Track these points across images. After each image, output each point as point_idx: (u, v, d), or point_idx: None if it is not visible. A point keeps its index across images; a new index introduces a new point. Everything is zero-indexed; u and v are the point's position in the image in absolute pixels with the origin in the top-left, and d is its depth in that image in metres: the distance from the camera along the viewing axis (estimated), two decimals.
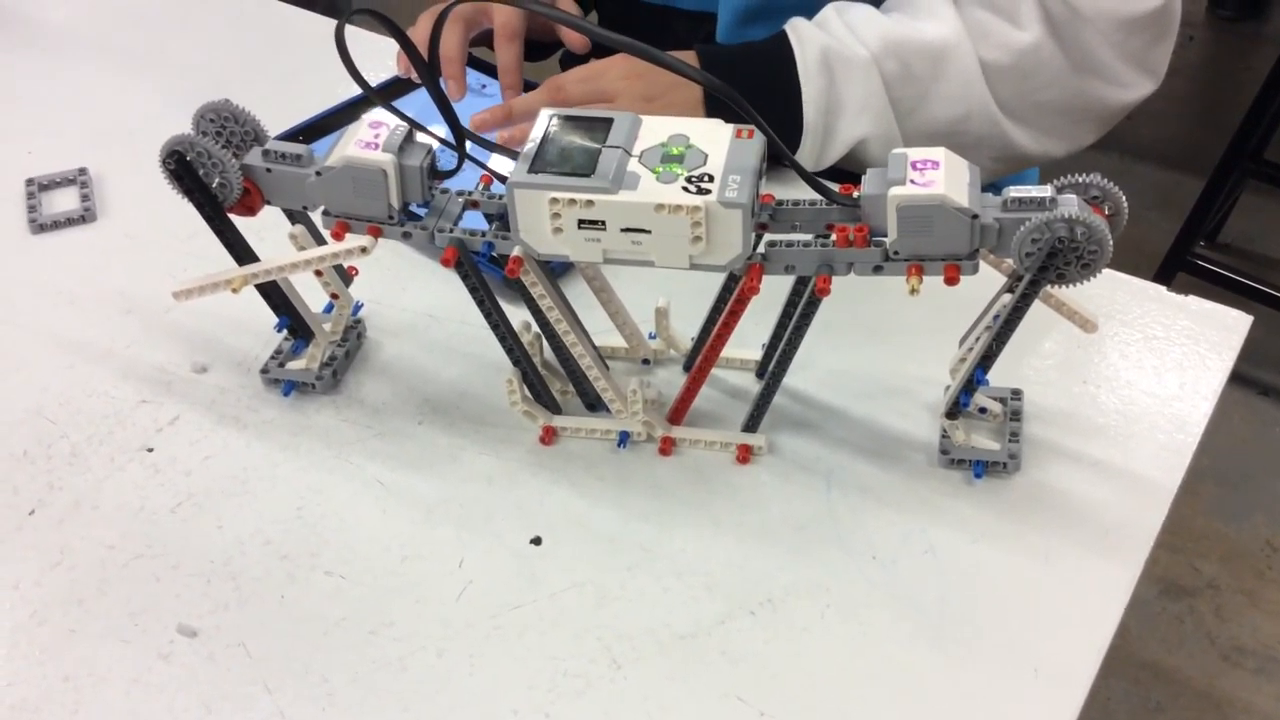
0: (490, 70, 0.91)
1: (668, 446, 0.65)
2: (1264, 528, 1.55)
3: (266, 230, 0.66)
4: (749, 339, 0.66)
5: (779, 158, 0.56)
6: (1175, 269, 1.71)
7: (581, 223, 0.55)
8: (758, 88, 0.75)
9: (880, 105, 0.77)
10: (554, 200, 0.55)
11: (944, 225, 0.54)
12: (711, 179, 0.55)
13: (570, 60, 1.07)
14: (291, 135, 0.85)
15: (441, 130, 0.58)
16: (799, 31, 0.78)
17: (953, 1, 0.78)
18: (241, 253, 0.65)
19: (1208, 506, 1.56)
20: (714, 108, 0.79)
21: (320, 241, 0.65)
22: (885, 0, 0.82)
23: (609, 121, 0.57)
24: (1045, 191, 0.54)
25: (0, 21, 1.04)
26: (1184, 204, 1.75)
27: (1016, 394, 0.66)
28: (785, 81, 0.76)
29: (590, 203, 0.55)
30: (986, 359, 0.60)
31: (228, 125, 0.62)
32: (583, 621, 0.57)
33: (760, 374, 0.69)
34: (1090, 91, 0.80)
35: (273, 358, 0.70)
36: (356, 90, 0.88)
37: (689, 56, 0.78)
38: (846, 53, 0.76)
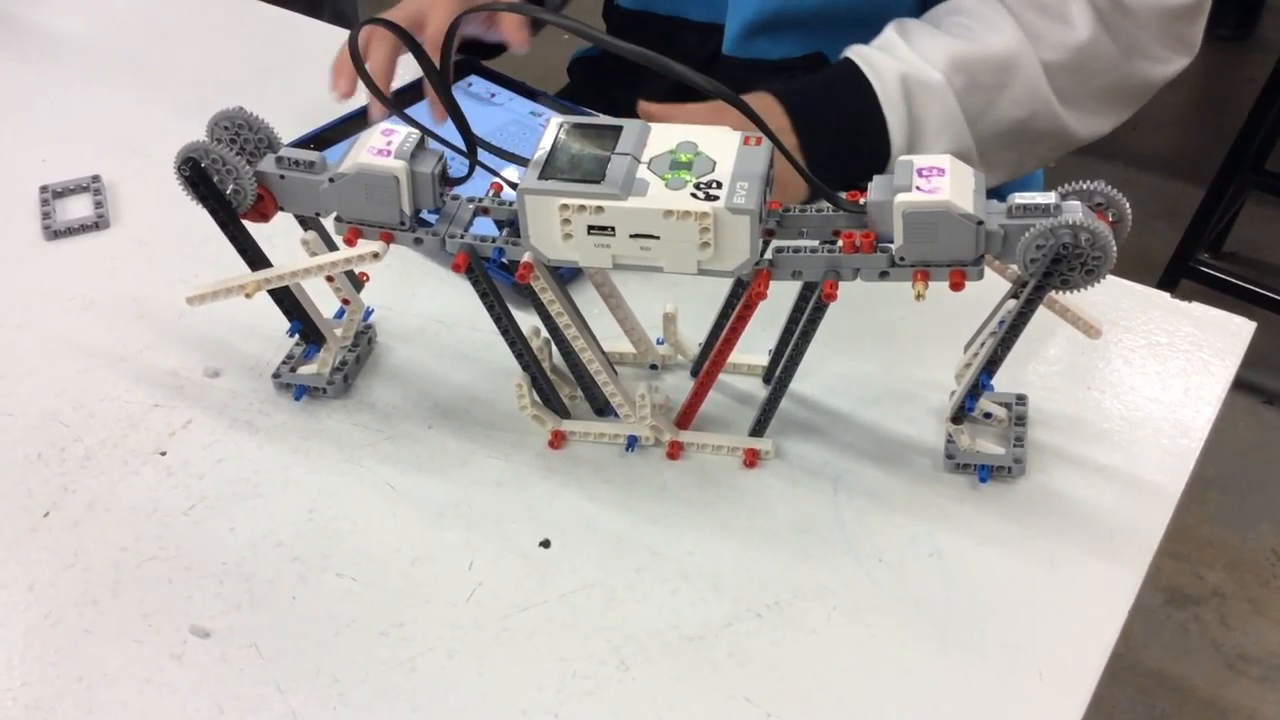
0: (498, 79, 0.92)
1: (675, 451, 0.65)
2: (1269, 536, 1.56)
3: (279, 236, 0.67)
4: (756, 344, 0.67)
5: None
6: (1179, 276, 1.71)
7: (591, 229, 0.56)
8: (841, 118, 0.77)
9: (957, 121, 0.78)
10: (564, 206, 0.56)
11: (949, 231, 0.54)
12: (719, 185, 0.55)
13: (581, 66, 1.07)
14: (302, 144, 0.86)
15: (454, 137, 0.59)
16: (871, 61, 0.78)
17: (1006, 8, 0.80)
18: (254, 258, 0.65)
19: (1213, 514, 1.57)
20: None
21: (332, 247, 0.66)
22: (935, 9, 0.83)
23: (618, 129, 0.58)
24: (1050, 198, 0.55)
25: (14, 31, 1.05)
26: (1188, 213, 1.75)
27: (1021, 399, 0.66)
28: (868, 111, 0.77)
29: (600, 209, 0.55)
30: (991, 364, 0.60)
31: (242, 132, 0.63)
32: (591, 623, 0.58)
33: (767, 379, 0.69)
34: (1136, 73, 0.82)
35: (284, 362, 0.70)
36: (367, 99, 0.89)
37: (771, 103, 0.77)
38: (922, 77, 0.77)
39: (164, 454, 0.67)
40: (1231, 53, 2.37)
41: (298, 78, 0.97)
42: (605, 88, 1.02)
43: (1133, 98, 0.85)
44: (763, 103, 0.76)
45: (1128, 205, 0.57)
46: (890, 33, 0.80)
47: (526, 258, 0.58)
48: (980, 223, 0.54)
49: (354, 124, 0.88)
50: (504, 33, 0.89)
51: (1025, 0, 0.79)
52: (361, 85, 0.83)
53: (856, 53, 0.79)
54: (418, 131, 0.60)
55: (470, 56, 0.93)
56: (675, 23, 0.95)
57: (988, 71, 0.78)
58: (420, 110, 0.89)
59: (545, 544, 0.62)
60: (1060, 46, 0.79)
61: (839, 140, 0.76)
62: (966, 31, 0.79)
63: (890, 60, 0.78)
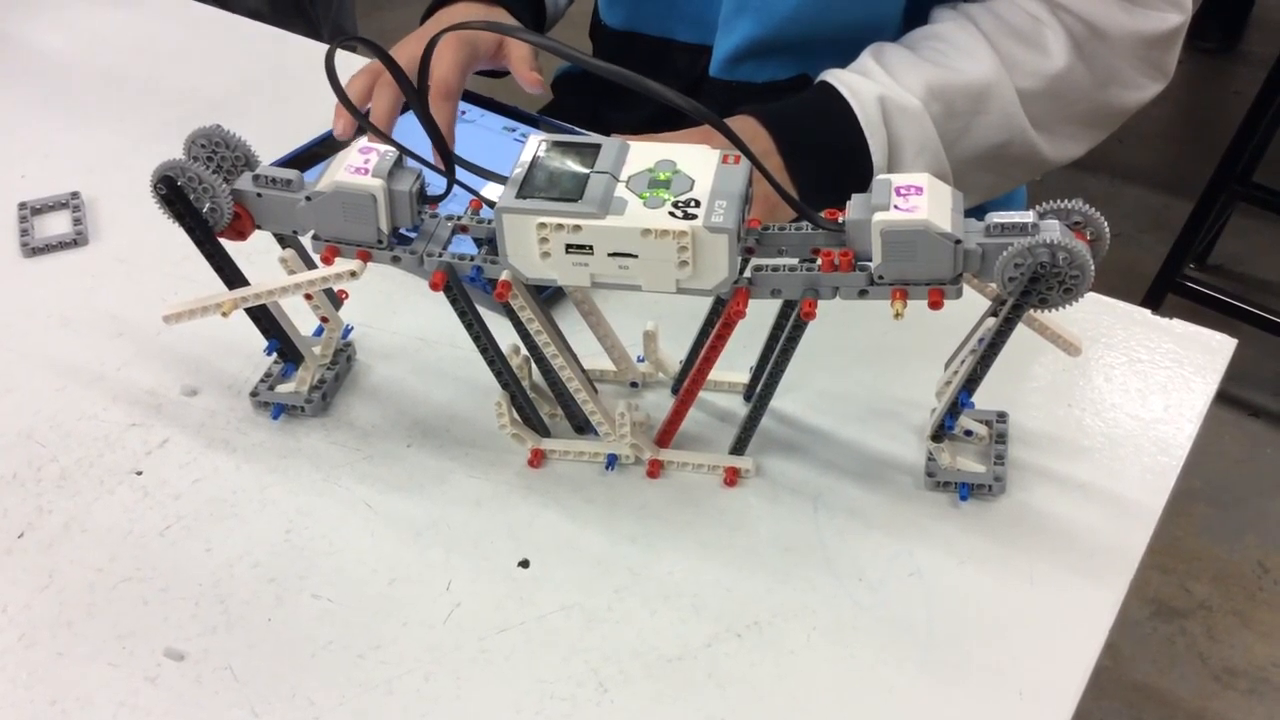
0: (470, 98, 0.92)
1: (655, 469, 0.65)
2: (1255, 548, 1.56)
3: (257, 254, 0.67)
4: (736, 362, 0.66)
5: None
6: (1164, 291, 1.72)
7: (569, 247, 0.56)
8: (828, 144, 0.77)
9: (934, 145, 0.78)
10: (542, 225, 0.55)
11: (928, 250, 0.54)
12: (698, 204, 0.55)
13: (566, 85, 1.07)
14: (284, 164, 0.85)
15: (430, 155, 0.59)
16: (848, 84, 0.78)
17: (983, 35, 0.80)
18: (231, 276, 0.65)
19: (1199, 527, 1.57)
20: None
21: (310, 265, 0.66)
22: (912, 34, 0.83)
23: (597, 147, 0.58)
24: (1028, 217, 0.55)
25: None
26: (1174, 226, 1.76)
27: (1002, 417, 0.66)
28: (850, 134, 0.77)
29: (578, 227, 0.55)
30: (971, 382, 0.60)
31: (218, 150, 0.62)
32: (570, 644, 0.58)
33: (747, 397, 0.69)
34: (1111, 100, 0.82)
35: (262, 381, 0.70)
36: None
37: (755, 126, 0.76)
38: (900, 101, 0.77)
39: (140, 473, 0.66)
40: (1216, 66, 2.38)
41: (279, 95, 0.97)
42: (589, 105, 1.02)
43: (1106, 123, 0.85)
44: (745, 125, 0.76)
45: (1106, 224, 0.57)
46: (867, 58, 0.80)
47: (505, 276, 0.58)
48: (958, 241, 0.54)
49: (334, 144, 0.88)
50: (516, 74, 0.85)
51: (1002, 27, 0.80)
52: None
53: (835, 77, 0.79)
54: (395, 150, 0.60)
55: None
56: (663, 44, 0.95)
57: (964, 99, 0.78)
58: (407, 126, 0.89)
59: (524, 564, 0.61)
60: (1036, 75, 0.79)
61: (824, 163, 0.76)
62: (943, 58, 0.79)
63: (868, 83, 0.78)
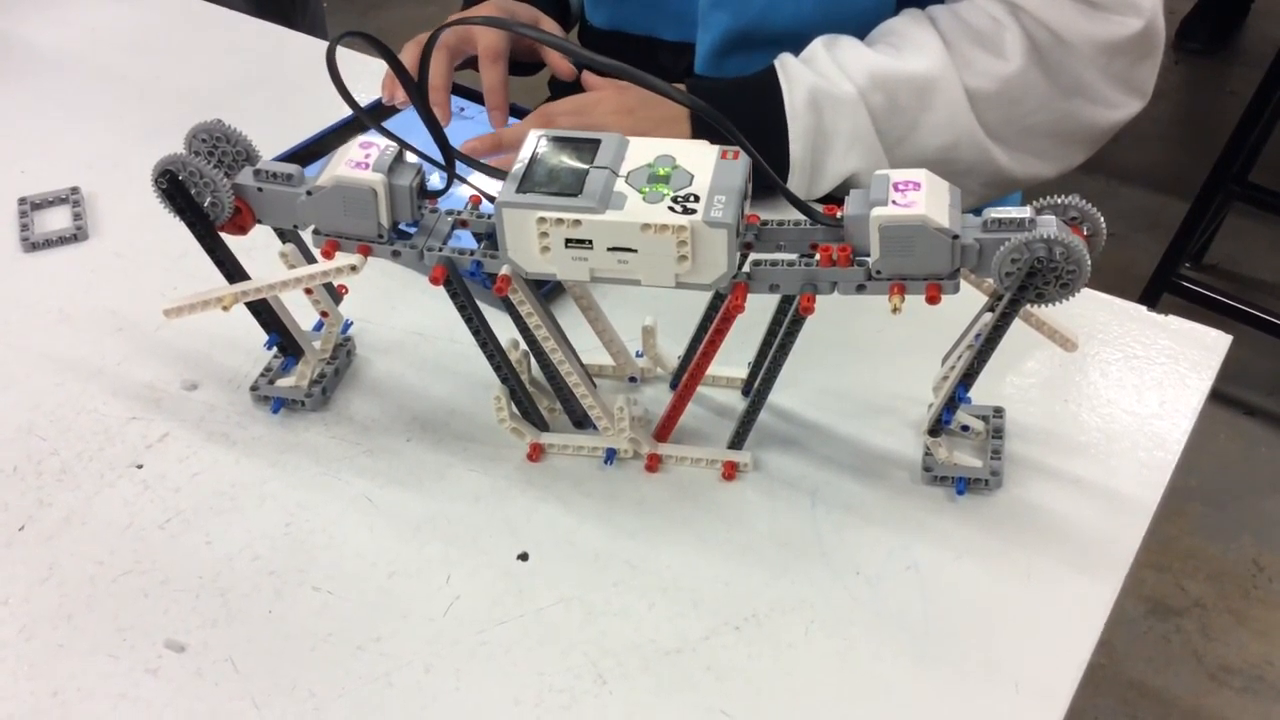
0: (470, 95, 0.92)
1: (654, 463, 0.65)
2: (1250, 547, 1.56)
3: (257, 249, 0.67)
4: (735, 357, 0.67)
5: (769, 185, 0.57)
6: (1160, 290, 1.72)
7: (569, 242, 0.56)
8: (746, 122, 0.76)
9: (869, 139, 0.78)
10: (542, 220, 0.56)
11: (925, 245, 0.55)
12: (697, 199, 0.55)
13: (559, 84, 1.08)
14: (285, 160, 0.85)
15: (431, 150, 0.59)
16: (788, 70, 0.79)
17: (939, 35, 0.80)
18: (232, 271, 0.65)
19: (1194, 526, 1.57)
20: (702, 135, 0.79)
21: (310, 260, 0.66)
22: (872, 32, 0.83)
23: (596, 142, 0.58)
24: (1024, 212, 0.55)
25: None
26: (1171, 226, 1.76)
27: (998, 412, 0.67)
28: (773, 118, 0.77)
29: (577, 222, 0.55)
30: (968, 377, 0.60)
31: (219, 145, 0.62)
32: (569, 637, 0.58)
33: (746, 392, 0.69)
34: (1077, 114, 0.81)
35: (262, 375, 0.70)
36: (348, 112, 0.89)
37: (679, 92, 0.78)
38: (834, 91, 0.77)
39: (140, 467, 0.66)
40: (1210, 67, 2.39)
41: (280, 91, 0.97)
42: None
43: (1078, 142, 0.83)
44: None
45: (1102, 220, 0.57)
46: (817, 45, 0.81)
47: (505, 271, 0.58)
48: (956, 237, 0.54)
49: (336, 139, 0.88)
50: (551, 62, 0.90)
51: (961, 28, 0.80)
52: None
53: (780, 60, 0.80)
54: (396, 145, 0.60)
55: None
56: (648, 42, 0.96)
57: (907, 92, 0.78)
58: (399, 122, 0.89)
59: (523, 557, 0.62)
60: (988, 75, 0.79)
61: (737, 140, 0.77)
62: (892, 51, 0.79)
63: (807, 72, 0.78)
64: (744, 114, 0.77)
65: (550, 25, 0.91)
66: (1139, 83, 0.82)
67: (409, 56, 0.86)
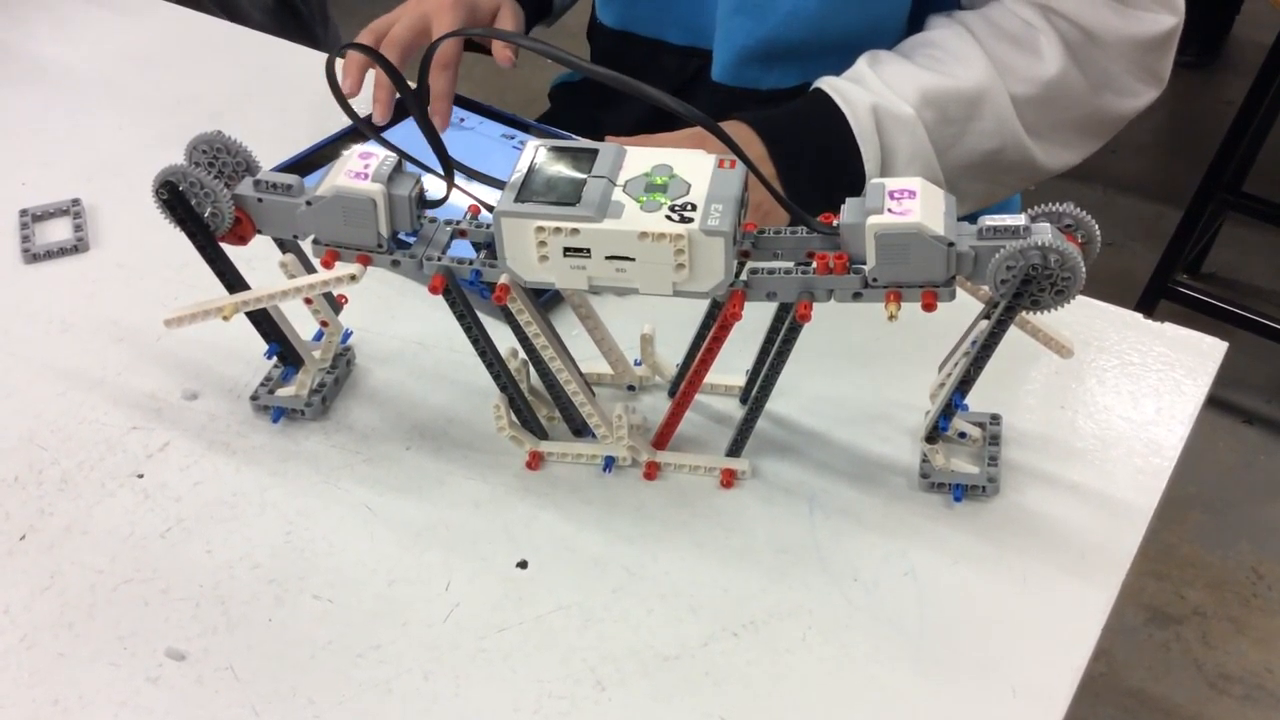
0: (470, 105, 0.93)
1: (652, 471, 0.66)
2: (1249, 555, 1.56)
3: (257, 259, 0.67)
4: (732, 365, 0.67)
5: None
6: (1157, 297, 1.73)
7: (567, 250, 0.57)
8: (820, 151, 0.77)
9: (926, 153, 0.79)
10: (540, 229, 0.56)
11: (921, 253, 0.55)
12: (694, 208, 0.56)
13: (562, 90, 1.08)
14: (284, 170, 0.86)
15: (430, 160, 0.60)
16: (841, 91, 0.79)
17: (977, 41, 0.80)
18: (232, 281, 0.65)
19: (1193, 534, 1.57)
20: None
21: (310, 270, 0.66)
22: (906, 42, 0.84)
23: (594, 152, 0.59)
24: (1019, 220, 0.56)
25: None
26: (1167, 235, 1.77)
27: (995, 419, 0.67)
28: (843, 142, 0.78)
29: (575, 231, 0.56)
30: (965, 384, 0.61)
31: (220, 156, 0.63)
32: (568, 644, 0.58)
33: (744, 399, 0.70)
34: (1106, 105, 0.83)
35: (262, 384, 0.70)
36: (348, 122, 0.89)
37: (747, 132, 0.77)
38: (893, 109, 0.78)
39: (141, 476, 0.67)
40: (1202, 77, 2.40)
41: (280, 102, 0.97)
42: (586, 112, 1.02)
43: (1102, 130, 0.85)
44: (738, 130, 0.77)
45: (1097, 227, 0.57)
46: (862, 65, 0.81)
47: (503, 279, 0.59)
48: (951, 244, 0.55)
49: (334, 150, 0.88)
50: (493, 49, 0.89)
51: (996, 32, 0.80)
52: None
53: (829, 84, 0.80)
54: (395, 155, 0.60)
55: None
56: (655, 45, 0.96)
57: (957, 105, 0.79)
58: (395, 132, 0.89)
59: (523, 565, 0.62)
60: (1030, 80, 0.80)
61: (816, 170, 0.77)
62: (936, 64, 0.80)
63: (862, 92, 0.78)
64: (813, 141, 0.78)
65: (508, 14, 0.90)
66: (1160, 71, 0.84)
67: (368, 40, 0.87)
